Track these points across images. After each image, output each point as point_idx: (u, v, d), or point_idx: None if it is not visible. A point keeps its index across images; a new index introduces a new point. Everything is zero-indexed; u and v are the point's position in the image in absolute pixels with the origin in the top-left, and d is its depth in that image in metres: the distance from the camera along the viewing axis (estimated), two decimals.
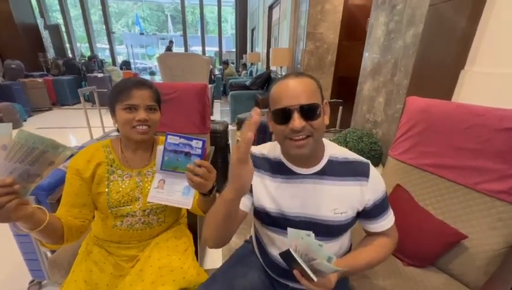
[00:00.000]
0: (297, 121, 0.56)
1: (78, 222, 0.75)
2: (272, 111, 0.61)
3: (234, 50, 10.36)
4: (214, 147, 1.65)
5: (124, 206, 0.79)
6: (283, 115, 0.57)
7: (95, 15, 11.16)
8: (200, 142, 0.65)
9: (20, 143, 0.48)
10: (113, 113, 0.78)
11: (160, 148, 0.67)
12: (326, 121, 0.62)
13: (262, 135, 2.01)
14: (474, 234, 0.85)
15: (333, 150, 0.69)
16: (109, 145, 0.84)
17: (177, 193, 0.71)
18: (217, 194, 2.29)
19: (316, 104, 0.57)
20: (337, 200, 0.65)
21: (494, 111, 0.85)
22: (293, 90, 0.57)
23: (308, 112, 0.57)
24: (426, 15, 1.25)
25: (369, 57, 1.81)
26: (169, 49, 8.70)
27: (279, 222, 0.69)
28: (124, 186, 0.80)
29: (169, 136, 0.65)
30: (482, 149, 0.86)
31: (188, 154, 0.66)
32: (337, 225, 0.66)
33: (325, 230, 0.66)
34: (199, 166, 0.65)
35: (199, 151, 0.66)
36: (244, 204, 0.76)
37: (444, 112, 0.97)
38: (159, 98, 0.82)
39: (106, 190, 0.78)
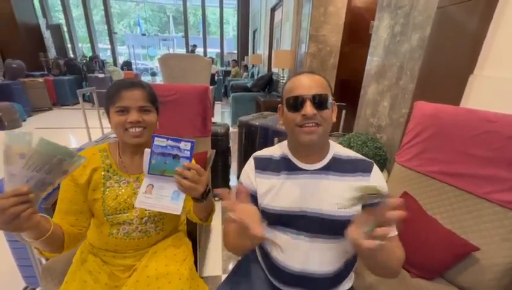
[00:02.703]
0: (309, 108, 0.60)
1: (75, 230, 0.73)
2: (286, 99, 0.65)
3: (236, 51, 10.36)
4: (214, 151, 1.62)
5: (120, 213, 0.76)
6: (296, 103, 0.62)
7: (97, 15, 11.18)
8: (189, 144, 0.62)
9: (40, 152, 0.47)
10: (108, 116, 0.75)
11: (147, 151, 0.64)
12: (334, 118, 0.66)
13: (263, 139, 1.98)
14: (486, 245, 0.82)
15: (337, 148, 0.72)
16: (107, 150, 0.81)
17: (165, 197, 0.67)
18: (217, 198, 2.22)
19: (327, 95, 0.62)
20: (340, 195, 0.65)
21: (507, 117, 0.82)
22: (307, 82, 0.63)
23: (320, 101, 0.61)
24: (434, 18, 1.22)
25: (374, 60, 1.78)
26: (192, 52, 8.79)
27: (283, 219, 0.68)
28: (120, 193, 0.76)
29: (156, 138, 0.62)
30: (494, 157, 0.83)
31: (176, 157, 0.63)
32: (341, 220, 0.64)
33: (330, 226, 0.65)
34: (188, 169, 0.62)
35: (188, 154, 0.63)
36: None
37: (453, 117, 0.94)
38: (154, 98, 0.78)
39: (102, 196, 0.75)
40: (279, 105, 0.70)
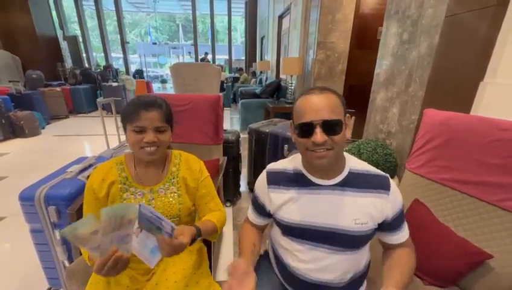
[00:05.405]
0: (319, 136, 0.58)
1: None
2: (295, 125, 0.64)
3: (243, 58, 10.50)
4: (226, 158, 1.66)
5: None
6: (306, 129, 0.60)
7: (110, 26, 11.64)
8: (169, 227, 0.62)
9: (105, 222, 0.56)
10: (125, 131, 0.79)
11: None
12: (348, 134, 0.64)
13: (273, 146, 2.01)
14: (500, 253, 0.81)
15: (354, 163, 0.71)
16: (123, 162, 0.85)
17: (146, 248, 0.68)
18: (228, 204, 2.23)
19: (337, 120, 0.59)
20: (358, 211, 0.65)
21: None
22: (317, 105, 0.59)
23: (330, 127, 0.59)
24: (442, 26, 1.23)
25: (382, 66, 1.80)
26: (204, 60, 9.07)
27: (298, 232, 0.69)
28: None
29: (141, 206, 0.62)
30: (507, 165, 0.83)
31: (159, 229, 0.63)
32: (358, 235, 0.66)
33: (347, 241, 0.66)
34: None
35: (170, 233, 0.63)
36: (261, 222, 0.79)
37: (464, 125, 0.95)
38: (170, 117, 0.81)
39: None
40: (291, 121, 0.69)
